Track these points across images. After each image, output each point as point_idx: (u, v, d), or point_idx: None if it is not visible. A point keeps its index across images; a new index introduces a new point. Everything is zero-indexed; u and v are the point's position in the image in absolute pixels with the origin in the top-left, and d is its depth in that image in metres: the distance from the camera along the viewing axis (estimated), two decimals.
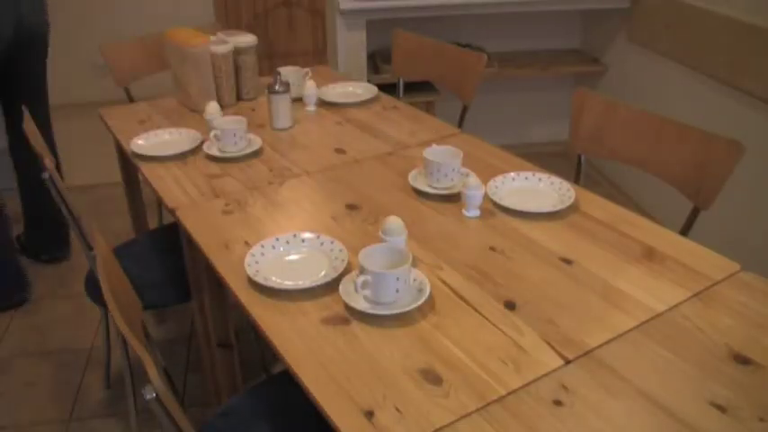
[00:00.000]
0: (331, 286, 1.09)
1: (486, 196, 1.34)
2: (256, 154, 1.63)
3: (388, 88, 2.19)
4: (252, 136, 1.66)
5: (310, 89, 1.90)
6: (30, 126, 1.57)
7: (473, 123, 2.05)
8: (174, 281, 1.61)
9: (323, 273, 1.14)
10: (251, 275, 1.11)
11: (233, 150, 1.60)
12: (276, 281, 1.11)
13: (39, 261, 2.53)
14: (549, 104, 3.36)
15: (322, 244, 1.21)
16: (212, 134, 1.61)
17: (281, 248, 1.21)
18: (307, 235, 1.23)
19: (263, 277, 1.12)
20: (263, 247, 1.19)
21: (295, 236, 1.22)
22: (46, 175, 1.47)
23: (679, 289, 1.09)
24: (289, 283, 1.11)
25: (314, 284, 1.09)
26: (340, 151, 1.65)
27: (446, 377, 0.92)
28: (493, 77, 2.95)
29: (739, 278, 1.12)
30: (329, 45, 2.91)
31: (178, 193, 1.45)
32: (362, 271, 1.02)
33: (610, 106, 1.64)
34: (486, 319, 1.03)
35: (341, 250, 1.18)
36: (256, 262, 1.16)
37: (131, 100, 2.20)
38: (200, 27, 1.98)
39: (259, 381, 1.30)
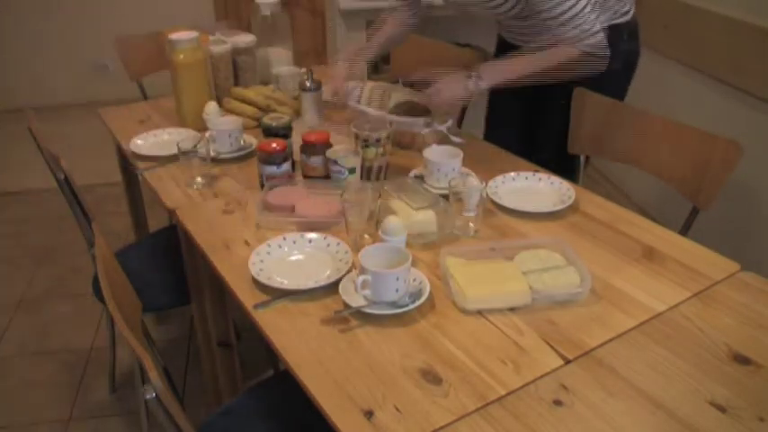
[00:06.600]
0: (332, 287, 1.09)
1: (486, 196, 1.34)
2: (252, 155, 1.60)
3: None
4: (247, 137, 1.65)
5: None
6: (36, 128, 1.57)
7: (473, 123, 2.05)
8: (175, 284, 1.60)
9: (327, 273, 1.14)
10: (254, 274, 1.11)
11: (228, 151, 1.59)
12: (279, 281, 1.11)
13: None
14: None
15: (328, 245, 1.21)
16: (207, 134, 1.61)
17: (287, 248, 1.20)
18: (313, 235, 1.22)
19: (267, 277, 1.11)
20: (269, 246, 1.19)
21: (302, 236, 1.22)
22: (61, 176, 1.47)
23: (679, 289, 1.09)
24: (291, 284, 1.11)
25: (318, 285, 1.09)
26: None
27: (446, 377, 0.92)
28: None
29: (739, 278, 1.12)
30: (329, 45, 2.91)
31: (177, 193, 1.45)
32: (362, 271, 1.02)
33: (610, 106, 1.64)
34: (486, 318, 1.03)
35: (346, 252, 1.17)
36: (261, 261, 1.15)
37: (145, 96, 2.20)
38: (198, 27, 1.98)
39: (259, 380, 1.30)
